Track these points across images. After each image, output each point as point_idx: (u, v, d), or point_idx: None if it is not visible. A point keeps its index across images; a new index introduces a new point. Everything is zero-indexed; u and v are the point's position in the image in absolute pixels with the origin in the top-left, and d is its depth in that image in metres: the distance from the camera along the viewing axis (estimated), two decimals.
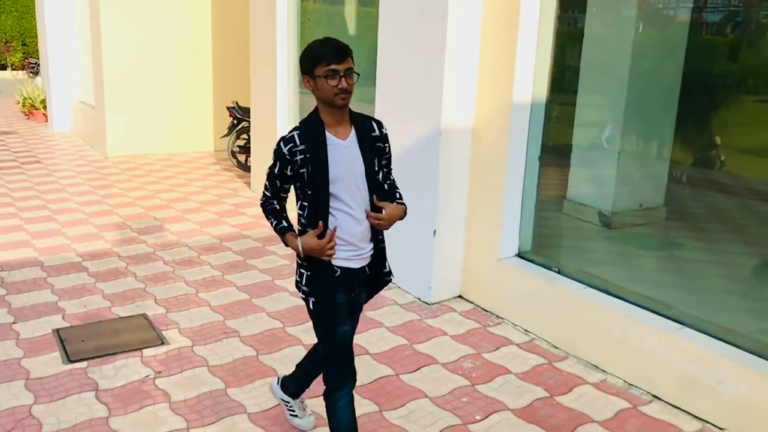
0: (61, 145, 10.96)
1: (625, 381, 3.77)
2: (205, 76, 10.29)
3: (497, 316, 4.60)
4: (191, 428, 3.20)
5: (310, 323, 4.38)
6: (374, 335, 4.25)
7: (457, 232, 4.85)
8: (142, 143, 10.06)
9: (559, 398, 3.58)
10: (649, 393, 3.64)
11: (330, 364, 2.65)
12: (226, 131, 9.15)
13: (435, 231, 4.72)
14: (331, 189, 2.47)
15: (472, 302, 4.84)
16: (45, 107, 12.96)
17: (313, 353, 3.03)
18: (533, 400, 3.56)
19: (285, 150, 2.46)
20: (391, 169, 2.72)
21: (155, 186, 8.15)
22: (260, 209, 2.70)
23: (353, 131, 2.54)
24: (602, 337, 3.92)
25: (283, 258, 5.65)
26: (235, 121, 8.85)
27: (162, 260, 5.52)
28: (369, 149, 2.55)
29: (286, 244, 2.59)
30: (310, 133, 2.47)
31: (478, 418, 3.36)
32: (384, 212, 2.56)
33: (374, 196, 2.56)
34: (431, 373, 3.81)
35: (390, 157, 2.68)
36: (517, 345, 4.20)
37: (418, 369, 3.84)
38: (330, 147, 2.47)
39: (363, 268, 2.64)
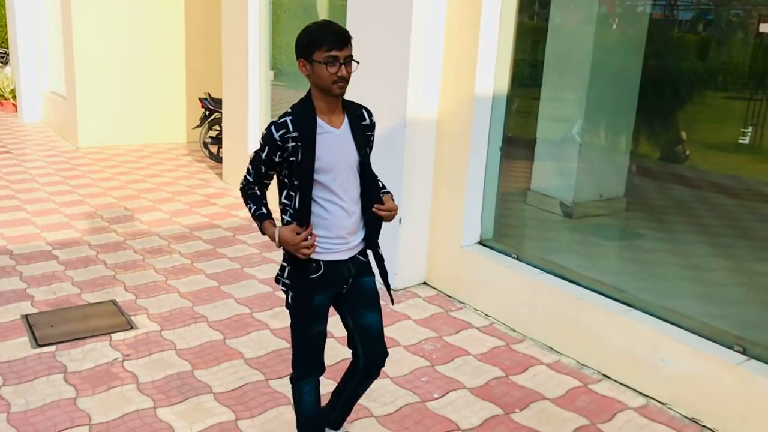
0: (31, 135, 10.88)
1: (577, 361, 3.95)
2: (177, 66, 10.29)
3: (459, 302, 4.76)
4: (158, 407, 3.30)
5: (278, 308, 4.54)
6: (340, 320, 4.37)
7: (422, 221, 4.99)
8: (114, 134, 10.04)
9: (515, 377, 3.75)
10: (599, 372, 3.83)
11: (299, 357, 2.64)
12: (198, 122, 9.19)
13: (400, 219, 4.85)
14: (323, 179, 2.39)
15: (435, 288, 5.00)
16: (15, 97, 12.83)
17: (348, 376, 2.81)
18: (489, 379, 3.72)
19: (276, 135, 2.34)
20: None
21: (127, 176, 8.17)
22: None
23: (346, 119, 2.45)
24: (557, 321, 4.09)
25: (252, 247, 5.74)
26: (207, 112, 8.89)
27: (132, 249, 5.58)
28: (361, 138, 2.48)
29: (263, 232, 2.50)
30: (303, 120, 2.36)
31: (436, 396, 3.52)
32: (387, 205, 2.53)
33: (375, 206, 2.50)
34: (393, 354, 3.94)
35: (372, 146, 2.62)
36: (477, 328, 4.37)
37: None
38: (323, 135, 2.38)
39: (354, 257, 2.55)
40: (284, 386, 3.55)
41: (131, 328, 4.15)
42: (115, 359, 3.76)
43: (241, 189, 2.56)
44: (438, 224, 4.97)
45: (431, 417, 3.30)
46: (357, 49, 5.25)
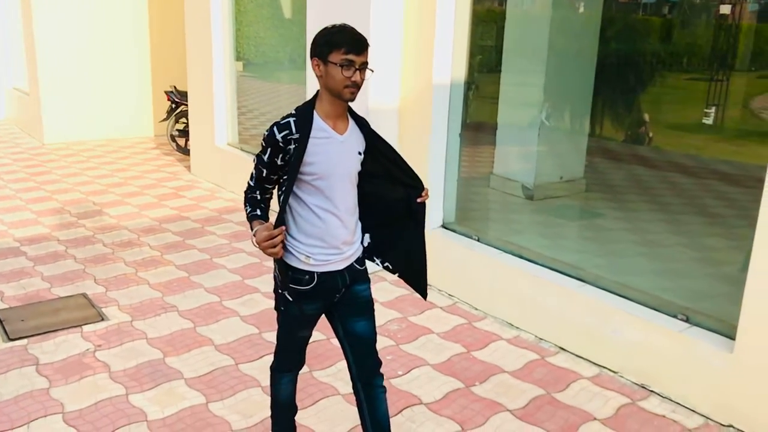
0: None
1: (536, 336, 4.14)
2: (142, 59, 10.24)
3: None
4: (130, 394, 3.40)
5: (248, 296, 4.65)
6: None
7: None
8: (81, 129, 9.99)
9: (476, 353, 3.92)
10: (556, 345, 4.02)
11: (281, 354, 2.64)
12: (165, 115, 9.19)
13: None
14: (320, 185, 2.32)
15: None
16: None
17: (358, 406, 2.65)
18: (452, 355, 3.88)
19: (279, 137, 2.26)
20: None
21: (94, 171, 8.16)
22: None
23: (350, 126, 2.39)
24: (516, 298, 4.27)
25: (221, 237, 5.83)
26: (174, 105, 8.90)
27: (101, 243, 5.63)
28: (361, 145, 2.43)
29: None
30: (306, 122, 2.29)
31: (400, 373, 3.67)
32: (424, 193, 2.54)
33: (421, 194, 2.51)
34: None
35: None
36: (441, 308, 4.53)
37: None
38: (326, 140, 2.31)
39: (350, 265, 2.46)
40: (254, 370, 3.68)
41: (102, 319, 4.22)
42: (87, 350, 3.84)
43: (244, 194, 2.46)
44: None
45: (396, 393, 3.45)
46: None
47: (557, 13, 6.26)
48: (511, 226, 5.60)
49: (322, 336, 4.05)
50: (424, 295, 2.70)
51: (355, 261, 2.49)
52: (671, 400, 3.44)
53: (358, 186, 2.47)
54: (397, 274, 2.64)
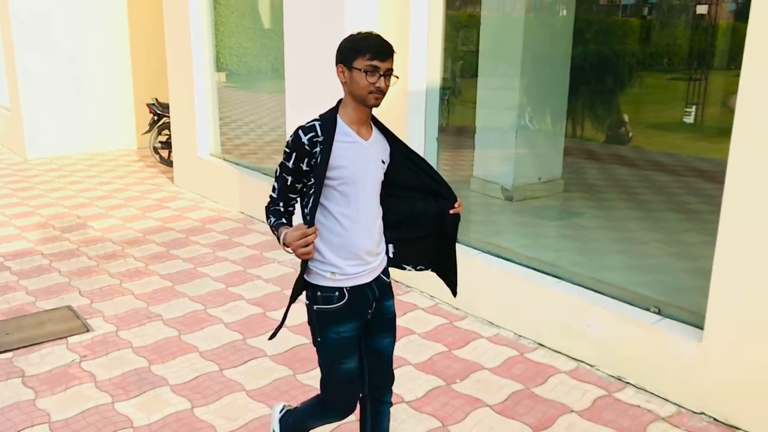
0: None
1: (515, 333, 4.23)
2: (124, 73, 10.27)
3: (407, 286, 4.99)
4: (116, 402, 3.45)
5: (232, 303, 4.72)
6: (292, 310, 4.55)
7: None
8: (64, 144, 9.99)
9: (456, 351, 4.00)
10: (534, 342, 4.11)
11: (329, 392, 2.48)
12: (147, 128, 9.22)
13: None
14: (346, 190, 2.28)
15: None
16: None
17: (362, 420, 2.65)
18: (433, 354, 3.96)
19: (305, 139, 2.22)
20: None
21: (78, 185, 8.18)
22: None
23: (374, 133, 2.38)
24: (496, 297, 4.36)
25: (205, 247, 5.88)
26: (156, 117, 8.94)
27: (86, 255, 5.66)
28: (385, 154, 2.40)
29: (279, 241, 2.27)
30: (330, 125, 2.26)
31: None
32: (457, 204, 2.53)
33: (454, 205, 2.51)
34: None
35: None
36: (423, 309, 4.61)
37: None
38: (351, 144, 2.28)
39: (378, 277, 2.43)
40: (238, 374, 3.74)
41: (87, 330, 4.26)
42: (73, 361, 3.88)
43: (265, 208, 2.37)
44: None
45: None
46: (296, 51, 5.43)
47: (531, 17, 6.38)
48: (491, 228, 5.70)
49: (306, 341, 4.11)
50: (455, 292, 2.76)
51: (382, 272, 2.46)
52: (646, 391, 3.53)
53: (385, 196, 2.43)
54: (430, 269, 2.67)
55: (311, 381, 3.66)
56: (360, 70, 2.20)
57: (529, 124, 6.89)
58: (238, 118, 8.31)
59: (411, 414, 3.35)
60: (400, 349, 4.00)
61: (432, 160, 5.10)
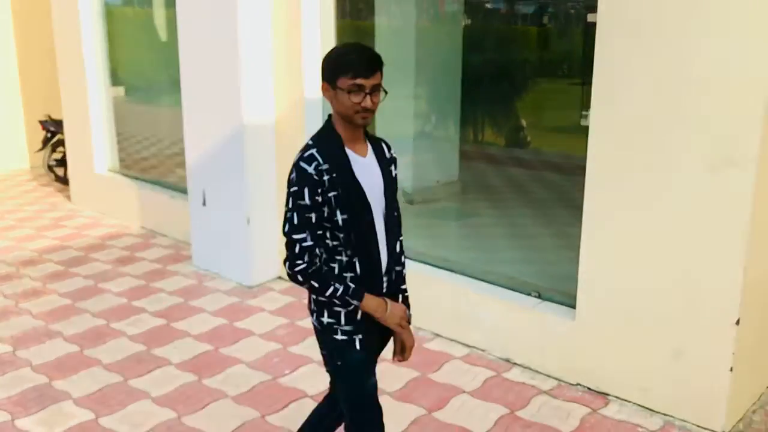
0: None
1: (414, 326, 4.45)
2: (11, 89, 9.86)
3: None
4: (16, 419, 3.41)
5: (135, 317, 4.70)
6: (197, 320, 4.62)
7: (270, 219, 5.30)
8: None
9: None
10: (432, 332, 4.37)
11: (358, 414, 2.38)
12: (40, 146, 8.91)
13: (249, 219, 5.16)
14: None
15: (288, 281, 5.35)
16: None
17: (322, 415, 2.68)
18: None
19: (311, 170, 2.08)
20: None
21: None
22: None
23: (370, 148, 2.27)
24: None
25: (106, 263, 5.79)
26: (49, 135, 8.65)
27: None
28: (385, 170, 2.29)
29: (363, 307, 2.20)
30: (330, 150, 2.14)
31: (287, 372, 3.88)
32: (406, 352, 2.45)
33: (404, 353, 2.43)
34: (248, 342, 4.28)
35: (397, 185, 2.40)
36: None
37: (237, 342, 4.29)
38: (356, 165, 2.17)
39: (389, 288, 2.39)
40: (143, 383, 3.77)
41: None
42: None
43: (302, 273, 2.13)
44: None
45: (281, 390, 3.67)
46: (192, 66, 5.46)
47: (421, 27, 6.72)
48: None
49: (211, 347, 4.19)
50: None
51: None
52: (531, 369, 3.86)
53: None
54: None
55: (216, 384, 3.75)
56: (343, 90, 2.09)
57: (425, 130, 7.22)
58: (138, 132, 8.19)
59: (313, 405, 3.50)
60: (303, 349, 4.16)
61: None
